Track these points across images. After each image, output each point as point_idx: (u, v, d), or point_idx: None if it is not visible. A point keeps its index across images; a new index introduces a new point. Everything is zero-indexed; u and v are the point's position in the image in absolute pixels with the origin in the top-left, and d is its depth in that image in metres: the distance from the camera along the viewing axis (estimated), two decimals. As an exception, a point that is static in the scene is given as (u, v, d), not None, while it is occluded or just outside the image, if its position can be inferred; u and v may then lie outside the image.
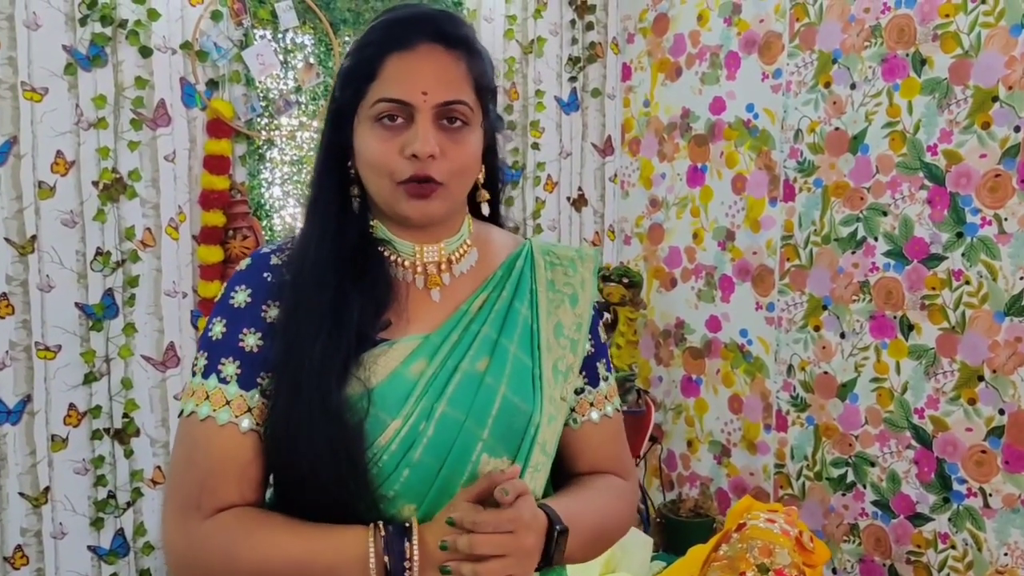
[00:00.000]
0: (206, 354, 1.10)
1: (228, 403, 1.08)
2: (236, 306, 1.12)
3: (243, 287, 1.13)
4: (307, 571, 1.04)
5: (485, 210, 1.22)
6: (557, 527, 1.06)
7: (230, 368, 1.09)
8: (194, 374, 1.10)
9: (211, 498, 1.08)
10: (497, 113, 1.21)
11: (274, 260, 1.15)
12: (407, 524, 1.04)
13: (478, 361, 1.14)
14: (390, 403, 1.09)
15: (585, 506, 1.17)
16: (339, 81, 1.14)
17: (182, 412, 1.10)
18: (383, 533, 1.03)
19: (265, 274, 1.13)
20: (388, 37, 1.09)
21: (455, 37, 1.11)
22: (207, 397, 1.08)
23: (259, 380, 1.09)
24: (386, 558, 1.01)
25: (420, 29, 1.10)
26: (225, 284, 1.15)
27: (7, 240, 2.53)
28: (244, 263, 1.16)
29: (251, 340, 1.10)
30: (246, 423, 1.08)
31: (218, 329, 1.11)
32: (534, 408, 1.15)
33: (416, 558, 1.02)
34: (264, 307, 1.12)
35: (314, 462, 1.05)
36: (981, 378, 2.42)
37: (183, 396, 1.11)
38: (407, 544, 1.02)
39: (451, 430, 1.10)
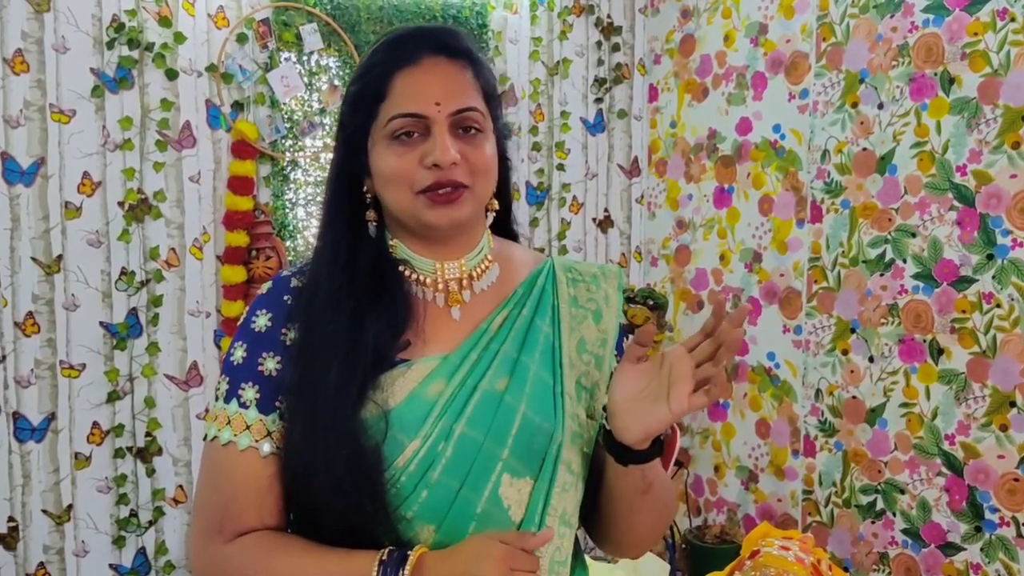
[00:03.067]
0: (228, 379, 1.11)
1: (248, 428, 1.09)
2: (257, 330, 1.12)
3: (264, 311, 1.13)
4: None
5: (489, 219, 1.20)
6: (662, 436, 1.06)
7: (250, 393, 1.10)
8: (216, 398, 1.11)
9: (233, 522, 1.09)
10: (504, 120, 1.20)
11: (294, 283, 1.15)
12: (408, 552, 1.03)
13: (498, 380, 1.12)
14: (408, 424, 1.07)
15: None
16: (347, 107, 1.14)
17: (206, 436, 1.12)
18: (384, 558, 1.02)
19: (285, 297, 1.14)
20: (393, 56, 1.09)
21: (458, 48, 1.12)
22: (228, 422, 1.09)
23: (277, 404, 1.10)
24: None
25: (423, 44, 1.10)
26: (248, 308, 1.15)
27: (34, 260, 2.57)
28: (265, 287, 1.16)
29: (270, 364, 1.11)
30: (267, 447, 1.09)
31: (239, 354, 1.12)
32: (556, 426, 1.13)
33: None
34: (284, 331, 1.12)
35: (332, 486, 1.05)
36: (1013, 404, 2.35)
37: (207, 420, 1.12)
38: (401, 571, 1.01)
39: (470, 450, 1.08)
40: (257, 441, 1.08)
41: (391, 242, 1.16)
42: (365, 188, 1.15)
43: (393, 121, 1.07)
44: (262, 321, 1.12)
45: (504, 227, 1.26)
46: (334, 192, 1.17)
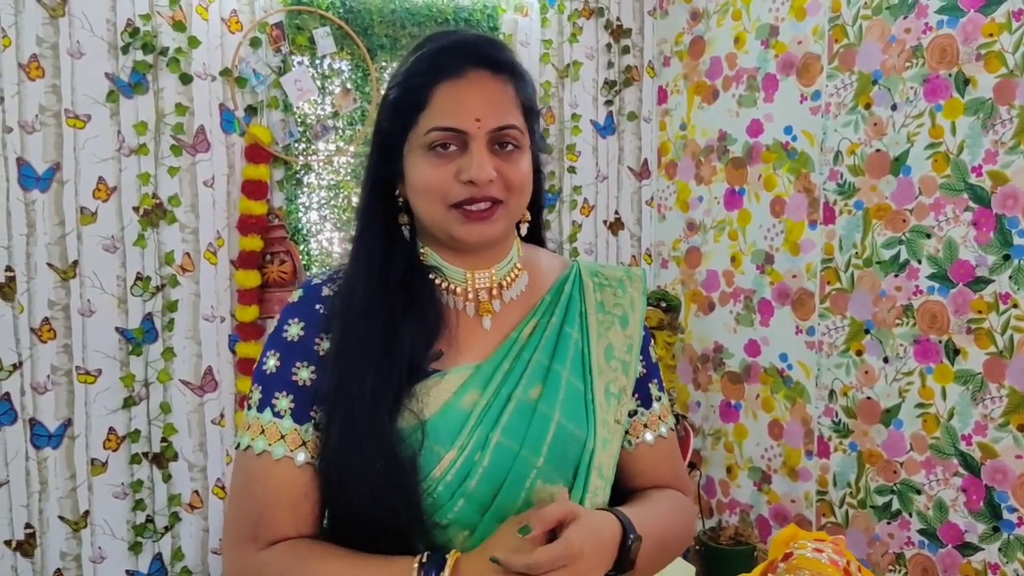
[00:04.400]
0: (260, 388, 1.10)
1: (283, 437, 1.08)
2: (289, 339, 1.11)
3: (296, 320, 1.12)
4: None
5: (523, 231, 1.21)
6: (631, 535, 1.04)
7: (284, 402, 1.09)
8: (249, 408, 1.10)
9: (267, 530, 1.08)
10: (541, 134, 1.19)
11: (326, 291, 1.14)
12: (446, 556, 1.02)
13: (531, 388, 1.12)
14: (444, 434, 1.08)
15: (651, 515, 1.14)
16: (385, 111, 1.13)
17: (239, 445, 1.11)
18: (423, 561, 1.01)
19: (317, 306, 1.13)
20: (436, 66, 1.08)
21: (501, 61, 1.10)
22: (263, 431, 1.09)
23: (312, 414, 1.09)
24: None
25: (467, 56, 1.09)
26: (279, 316, 1.14)
27: (50, 265, 2.56)
28: (296, 295, 1.15)
29: (304, 374, 1.10)
30: (301, 457, 1.08)
31: (272, 363, 1.11)
32: (588, 433, 1.14)
33: None
34: (317, 340, 1.11)
35: (367, 496, 1.05)
36: (1031, 404, 2.36)
37: (239, 429, 1.13)
38: (440, 575, 1.00)
39: (506, 459, 1.08)
40: (292, 451, 1.08)
41: (422, 249, 1.16)
42: (397, 192, 1.14)
43: (432, 133, 1.07)
44: (294, 330, 1.12)
45: (533, 234, 1.26)
46: (368, 197, 1.16)
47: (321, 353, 1.10)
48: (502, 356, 1.13)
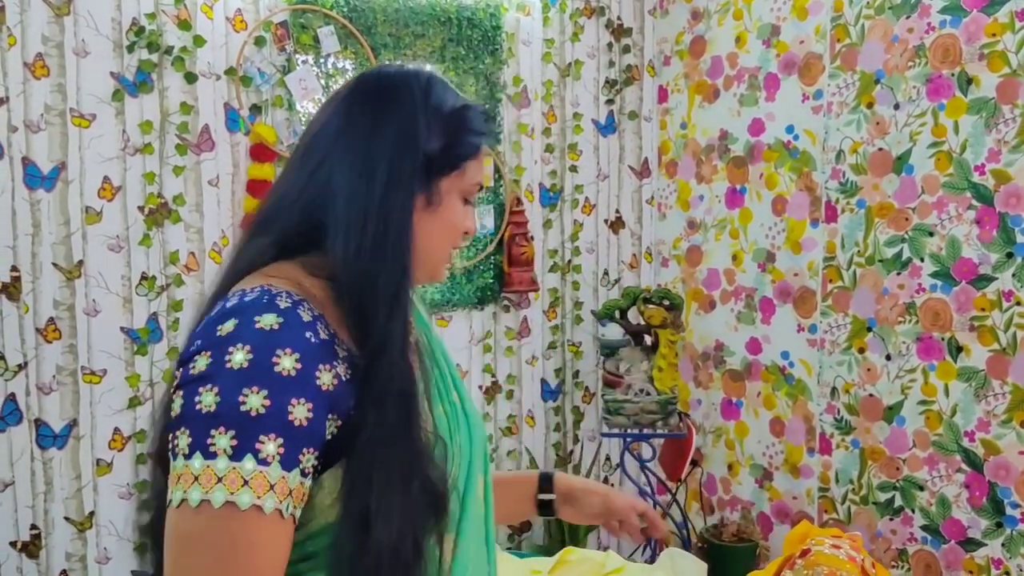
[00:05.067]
0: (217, 431, 0.88)
1: (272, 488, 0.89)
2: (263, 368, 0.91)
3: (288, 351, 0.92)
4: None
5: None
6: None
7: (271, 447, 0.89)
8: (191, 455, 0.88)
9: None
10: None
11: (305, 316, 0.96)
12: None
13: (453, 393, 1.16)
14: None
15: None
16: (451, 130, 1.09)
17: (189, 502, 0.87)
18: None
19: (307, 334, 0.94)
20: (486, 131, 1.16)
21: None
22: (245, 483, 0.87)
23: (300, 458, 0.91)
24: None
25: (494, 134, 1.20)
26: (243, 348, 0.91)
27: (55, 265, 2.55)
28: (270, 320, 0.93)
29: (300, 412, 0.91)
30: (290, 508, 0.91)
31: (256, 401, 0.89)
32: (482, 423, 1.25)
33: None
34: (316, 373, 0.93)
35: (395, 522, 0.96)
36: (1034, 400, 2.39)
37: (190, 484, 0.87)
38: None
39: (472, 467, 1.14)
40: (281, 502, 0.89)
41: None
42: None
43: (475, 187, 1.14)
44: (288, 363, 0.91)
45: None
46: (404, 208, 1.06)
47: (323, 386, 0.93)
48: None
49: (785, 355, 3.11)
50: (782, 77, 3.08)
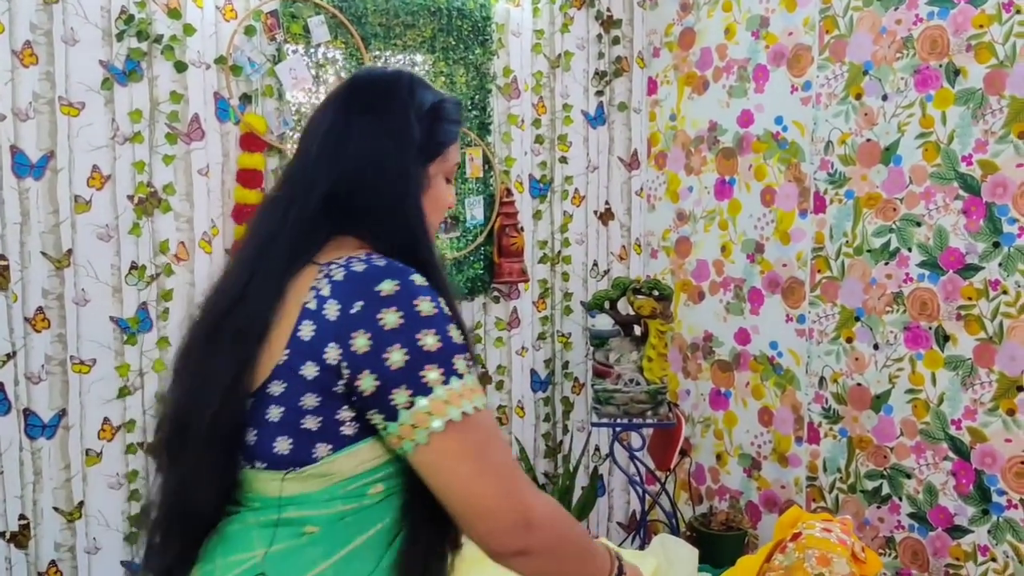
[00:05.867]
0: (461, 357, 1.16)
1: (474, 391, 1.17)
2: (442, 308, 1.18)
3: (430, 297, 1.18)
4: (600, 554, 1.30)
5: None
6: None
7: (463, 363, 1.17)
8: (459, 376, 1.15)
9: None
10: None
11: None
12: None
13: None
14: None
15: None
16: (433, 122, 1.32)
17: (465, 412, 1.14)
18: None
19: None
20: (460, 119, 1.39)
21: None
22: (476, 392, 1.17)
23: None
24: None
25: (466, 120, 1.38)
26: (425, 297, 1.16)
27: (44, 254, 2.54)
28: (416, 278, 1.18)
29: (456, 334, 1.18)
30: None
31: (454, 329, 1.17)
32: None
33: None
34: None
35: None
36: (1020, 388, 2.41)
37: (443, 407, 1.12)
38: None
39: None
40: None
41: None
42: None
43: (454, 166, 1.39)
44: (435, 303, 1.18)
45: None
46: (416, 178, 1.31)
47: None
48: None
49: (774, 345, 3.13)
50: (771, 68, 3.09)
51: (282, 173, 1.39)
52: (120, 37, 2.59)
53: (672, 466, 3.20)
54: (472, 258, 3.24)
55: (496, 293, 3.33)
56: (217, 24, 2.73)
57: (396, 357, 1.11)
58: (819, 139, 2.92)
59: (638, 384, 2.98)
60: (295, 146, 2.84)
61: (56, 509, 2.61)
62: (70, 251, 2.58)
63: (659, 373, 3.00)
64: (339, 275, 1.17)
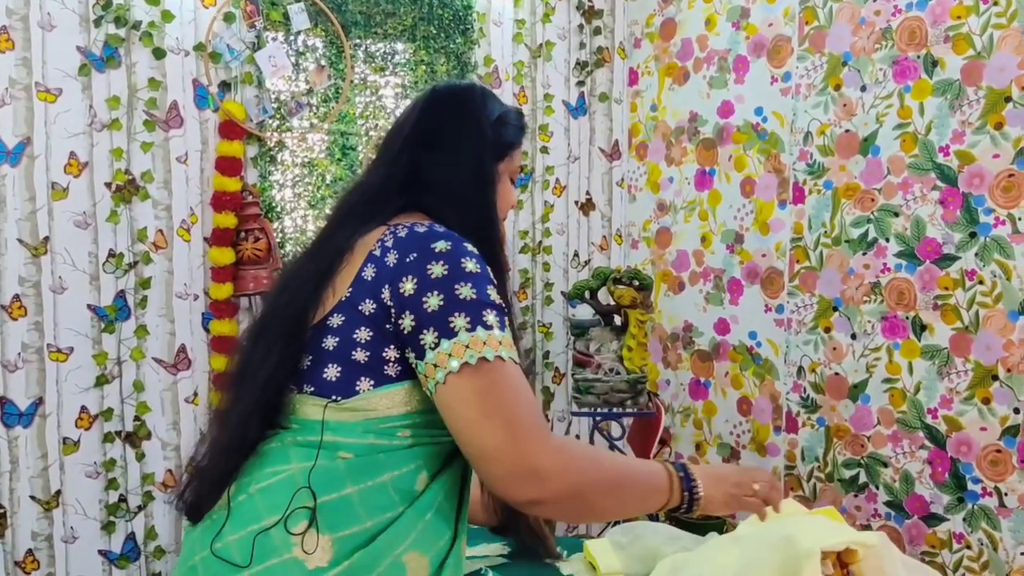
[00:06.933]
0: (494, 311, 1.27)
1: (501, 344, 1.26)
2: (487, 273, 1.31)
3: (478, 260, 1.31)
4: (644, 478, 1.35)
5: None
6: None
7: (494, 317, 1.28)
8: (490, 327, 1.25)
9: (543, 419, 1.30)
10: None
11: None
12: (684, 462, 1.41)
13: None
14: None
15: None
16: (502, 127, 1.50)
17: (490, 359, 1.23)
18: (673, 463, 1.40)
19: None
20: (523, 125, 1.57)
21: None
22: (506, 345, 1.26)
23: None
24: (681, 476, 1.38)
25: (527, 127, 1.74)
26: (472, 259, 1.30)
27: (20, 241, 2.52)
28: (469, 245, 1.32)
29: (494, 295, 1.30)
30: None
31: (494, 291, 1.29)
32: None
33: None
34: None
35: None
36: (995, 377, 2.43)
37: (463, 350, 1.23)
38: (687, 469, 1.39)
39: None
40: (509, 352, 1.28)
41: None
42: None
43: (518, 168, 1.57)
44: (480, 265, 1.31)
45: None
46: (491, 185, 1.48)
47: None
48: None
49: (753, 335, 3.15)
50: (751, 59, 3.10)
51: (364, 169, 1.60)
52: (98, 23, 2.57)
53: (652, 455, 3.21)
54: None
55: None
56: (196, 11, 2.72)
57: (433, 302, 1.24)
58: (798, 130, 2.94)
59: (618, 374, 2.99)
60: (274, 134, 2.83)
61: (33, 498, 2.59)
62: (47, 238, 2.56)
63: (639, 363, 3.01)
64: (403, 232, 1.33)
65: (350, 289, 1.31)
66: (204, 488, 1.34)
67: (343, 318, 1.30)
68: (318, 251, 1.41)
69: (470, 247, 1.31)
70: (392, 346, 1.29)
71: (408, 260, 1.28)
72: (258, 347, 1.37)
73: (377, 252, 1.32)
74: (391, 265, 1.29)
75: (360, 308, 1.29)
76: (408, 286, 1.26)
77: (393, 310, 1.27)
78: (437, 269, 1.26)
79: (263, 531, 1.25)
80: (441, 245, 1.29)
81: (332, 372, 1.30)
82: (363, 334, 1.29)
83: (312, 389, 1.31)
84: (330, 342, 1.30)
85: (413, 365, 1.27)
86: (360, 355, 1.29)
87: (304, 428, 1.31)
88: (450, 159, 1.44)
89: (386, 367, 1.29)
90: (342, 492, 1.27)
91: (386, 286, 1.28)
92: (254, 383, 1.33)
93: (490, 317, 1.26)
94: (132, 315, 2.70)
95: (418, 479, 1.32)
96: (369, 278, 1.30)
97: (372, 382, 1.29)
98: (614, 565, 1.85)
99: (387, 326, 1.28)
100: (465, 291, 1.25)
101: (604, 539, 2.00)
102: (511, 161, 1.52)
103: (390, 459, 1.30)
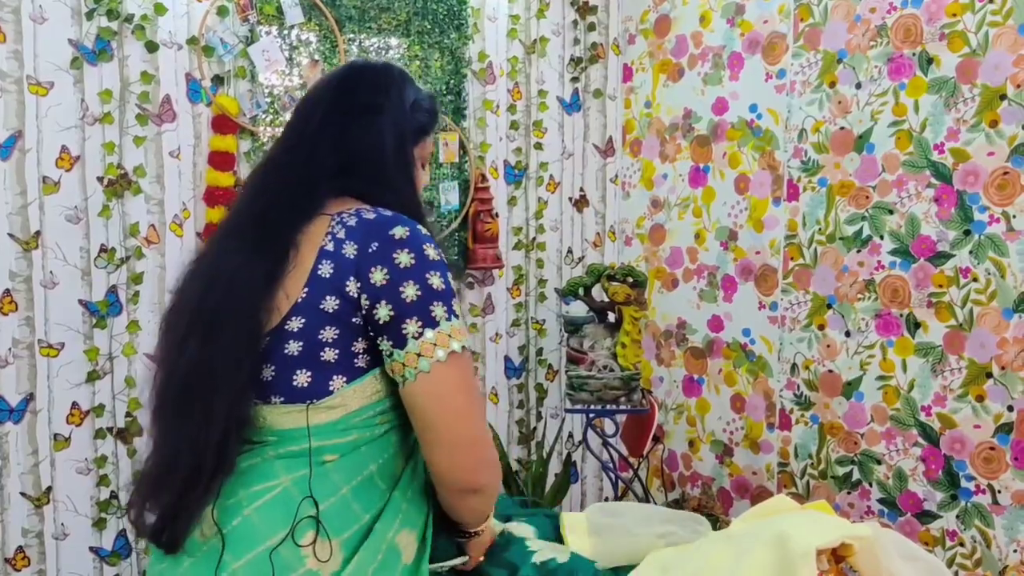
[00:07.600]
0: (452, 301, 1.31)
1: (462, 333, 1.31)
2: (444, 260, 1.34)
3: (434, 244, 1.34)
4: None
5: None
6: None
7: (457, 306, 1.33)
8: (448, 318, 1.29)
9: None
10: None
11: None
12: None
13: None
14: None
15: None
16: (424, 112, 1.50)
17: (452, 351, 1.28)
18: None
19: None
20: (436, 111, 1.55)
21: None
22: (465, 333, 1.31)
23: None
24: None
25: (440, 112, 1.69)
26: (430, 244, 1.33)
27: (11, 236, 2.50)
28: (421, 228, 1.35)
29: (451, 281, 1.34)
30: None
31: (446, 280, 1.32)
32: None
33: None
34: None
35: None
36: (989, 375, 2.43)
37: (447, 339, 1.27)
38: None
39: None
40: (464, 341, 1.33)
41: None
42: None
43: (430, 153, 1.56)
44: (437, 251, 1.34)
45: None
46: (409, 154, 1.48)
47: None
48: None
49: (746, 332, 3.15)
50: (746, 56, 3.10)
51: (276, 143, 1.47)
52: (90, 16, 2.55)
53: (645, 452, 3.21)
54: (446, 244, 3.23)
55: (470, 279, 3.32)
56: (189, 4, 2.70)
57: (410, 292, 1.26)
58: (793, 127, 2.93)
59: (612, 371, 2.98)
60: (267, 129, 2.82)
61: (23, 495, 2.57)
62: (38, 233, 2.54)
63: (633, 360, 3.00)
64: (352, 222, 1.32)
65: (305, 289, 1.29)
66: (181, 518, 1.27)
67: (303, 320, 1.28)
68: (256, 245, 1.32)
69: (424, 230, 1.34)
70: (360, 339, 1.29)
71: (371, 250, 1.29)
72: (214, 359, 1.27)
73: (330, 247, 1.30)
74: (351, 257, 1.29)
75: (322, 307, 1.28)
76: (378, 276, 1.27)
77: (365, 301, 1.27)
78: (404, 258, 1.28)
79: (272, 550, 1.22)
80: (399, 231, 1.31)
81: (302, 378, 1.28)
82: (329, 333, 1.28)
83: (281, 399, 1.29)
84: (293, 347, 1.28)
85: (387, 354, 1.28)
86: (329, 354, 1.28)
87: (284, 439, 1.29)
88: (376, 141, 1.41)
89: (356, 360, 1.29)
90: (339, 493, 1.28)
91: (351, 279, 1.28)
92: (222, 400, 1.26)
93: (455, 306, 1.31)
94: (124, 310, 2.68)
95: (397, 462, 1.36)
96: (327, 275, 1.28)
97: (344, 378, 1.29)
98: (584, 549, 1.79)
99: (354, 319, 1.28)
100: (436, 280, 1.29)
101: (582, 515, 1.93)
102: (423, 148, 1.51)
103: (371, 449, 1.32)
